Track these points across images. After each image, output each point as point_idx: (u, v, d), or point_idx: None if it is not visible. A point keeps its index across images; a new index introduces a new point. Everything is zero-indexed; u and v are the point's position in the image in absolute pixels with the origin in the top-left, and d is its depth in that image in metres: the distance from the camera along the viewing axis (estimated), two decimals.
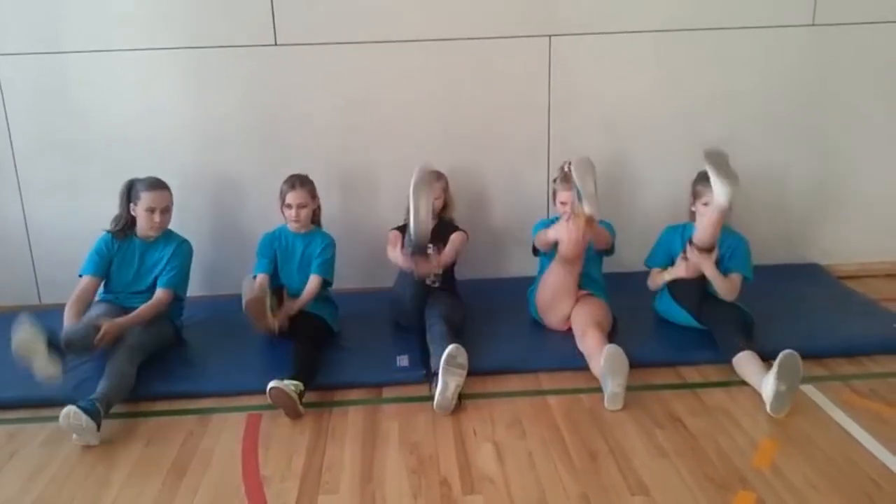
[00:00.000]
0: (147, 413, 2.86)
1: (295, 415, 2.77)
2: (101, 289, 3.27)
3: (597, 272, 3.42)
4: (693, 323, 3.22)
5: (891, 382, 2.92)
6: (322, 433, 2.70)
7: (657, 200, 3.83)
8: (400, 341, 3.28)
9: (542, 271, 3.38)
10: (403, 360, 3.10)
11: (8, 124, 3.68)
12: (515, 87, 3.76)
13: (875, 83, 3.85)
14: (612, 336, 3.09)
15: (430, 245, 3.15)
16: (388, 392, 2.96)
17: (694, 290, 3.20)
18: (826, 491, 2.29)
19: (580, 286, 3.27)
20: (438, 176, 3.39)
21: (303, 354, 2.99)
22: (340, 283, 3.47)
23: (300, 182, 3.34)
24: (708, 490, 2.31)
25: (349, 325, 3.42)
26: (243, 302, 3.00)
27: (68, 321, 3.01)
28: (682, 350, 3.15)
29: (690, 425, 2.66)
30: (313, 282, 3.29)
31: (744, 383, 2.89)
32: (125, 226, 3.26)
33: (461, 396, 2.84)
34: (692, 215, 3.30)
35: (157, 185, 3.23)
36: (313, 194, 3.39)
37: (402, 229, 3.37)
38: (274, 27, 3.60)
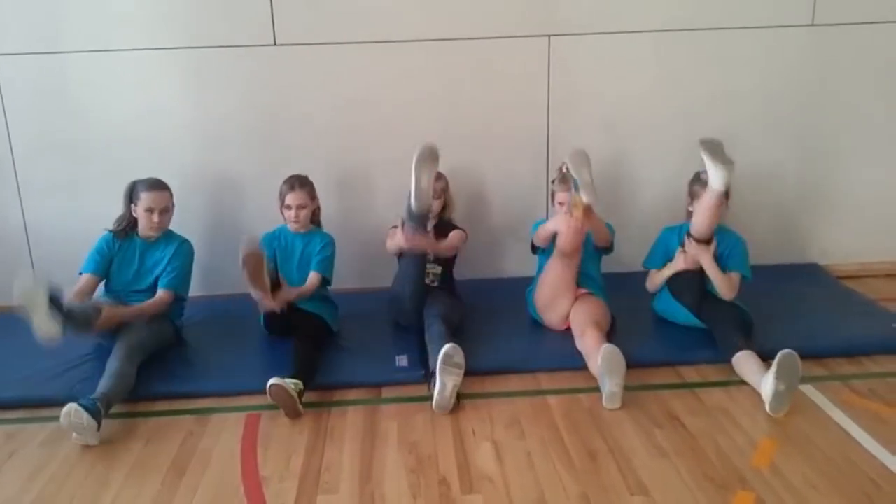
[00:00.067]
0: (146, 413, 2.86)
1: (294, 414, 2.77)
2: (101, 288, 3.27)
3: (595, 271, 3.43)
4: (692, 320, 3.22)
5: (890, 382, 2.92)
6: (321, 433, 2.70)
7: (656, 200, 3.83)
8: (399, 341, 3.28)
9: (540, 271, 3.38)
10: (402, 360, 3.10)
11: (7, 124, 3.68)
12: (515, 88, 3.76)
13: (875, 83, 3.85)
14: (610, 335, 3.10)
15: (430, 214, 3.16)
16: (387, 392, 2.96)
17: (694, 286, 3.20)
18: (825, 491, 2.29)
19: (579, 284, 3.27)
20: (439, 176, 3.39)
21: (302, 354, 2.99)
22: (339, 283, 3.47)
23: (300, 183, 3.34)
24: (707, 490, 2.31)
25: (348, 325, 3.42)
26: (241, 257, 2.95)
27: None
28: (682, 350, 3.16)
29: (690, 425, 2.66)
30: (313, 278, 3.30)
31: (743, 383, 2.89)
32: (127, 226, 3.27)
33: (460, 396, 2.84)
34: (689, 215, 3.30)
35: (157, 185, 3.24)
36: (312, 195, 3.40)
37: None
38: (273, 27, 3.60)
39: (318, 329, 3.23)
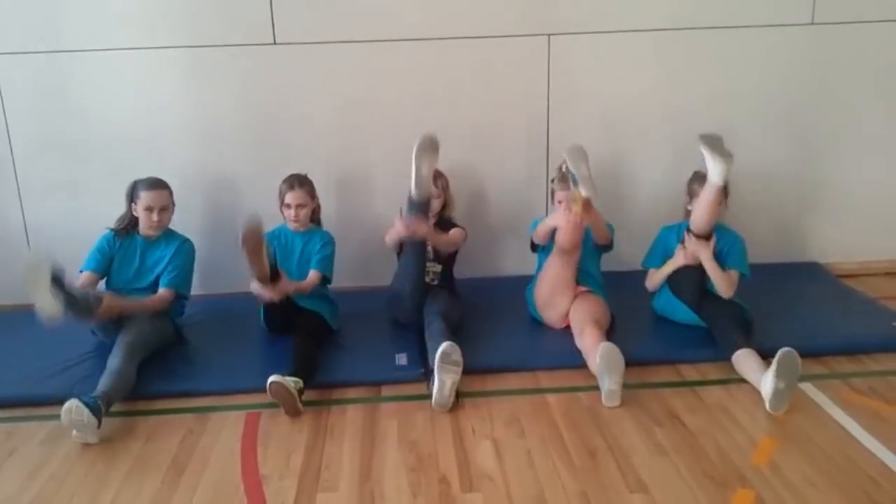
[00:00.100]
0: (146, 411, 2.86)
1: (294, 412, 2.77)
2: (102, 286, 3.27)
3: (595, 269, 3.43)
4: (692, 318, 3.22)
5: (890, 380, 2.93)
6: (321, 431, 2.70)
7: (656, 198, 3.83)
8: (399, 339, 3.29)
9: (540, 269, 3.38)
10: (402, 359, 3.10)
11: (7, 124, 3.68)
12: (514, 87, 3.76)
13: (874, 82, 3.85)
14: (610, 333, 3.10)
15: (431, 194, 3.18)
16: (386, 390, 2.96)
17: (693, 282, 3.20)
18: (825, 489, 2.29)
19: (578, 282, 3.27)
20: (439, 174, 3.40)
21: (302, 352, 3.00)
22: (338, 282, 3.47)
23: (299, 182, 3.35)
24: (707, 488, 2.32)
25: (348, 324, 3.42)
26: (240, 234, 2.94)
27: None
28: (681, 348, 3.16)
29: (689, 423, 2.67)
30: (312, 276, 3.30)
31: (742, 381, 2.89)
32: (128, 225, 3.29)
33: (460, 394, 2.84)
34: (687, 214, 3.30)
35: (155, 184, 3.25)
36: (312, 194, 3.40)
37: None
38: (273, 26, 3.60)
39: (318, 327, 3.24)
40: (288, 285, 3.16)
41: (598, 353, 2.81)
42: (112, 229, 3.30)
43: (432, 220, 3.39)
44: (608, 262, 3.54)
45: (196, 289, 3.46)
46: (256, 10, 3.58)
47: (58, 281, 2.76)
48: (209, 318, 3.53)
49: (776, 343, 2.79)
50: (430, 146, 3.08)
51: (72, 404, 2.58)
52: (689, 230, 3.20)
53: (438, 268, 3.45)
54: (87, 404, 2.59)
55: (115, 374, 2.82)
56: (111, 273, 3.27)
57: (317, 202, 3.45)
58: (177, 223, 3.39)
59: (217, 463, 2.53)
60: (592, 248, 3.42)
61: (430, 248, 3.39)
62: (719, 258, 3.21)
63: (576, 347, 3.05)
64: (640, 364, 3.01)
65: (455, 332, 3.12)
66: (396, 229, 3.23)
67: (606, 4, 3.68)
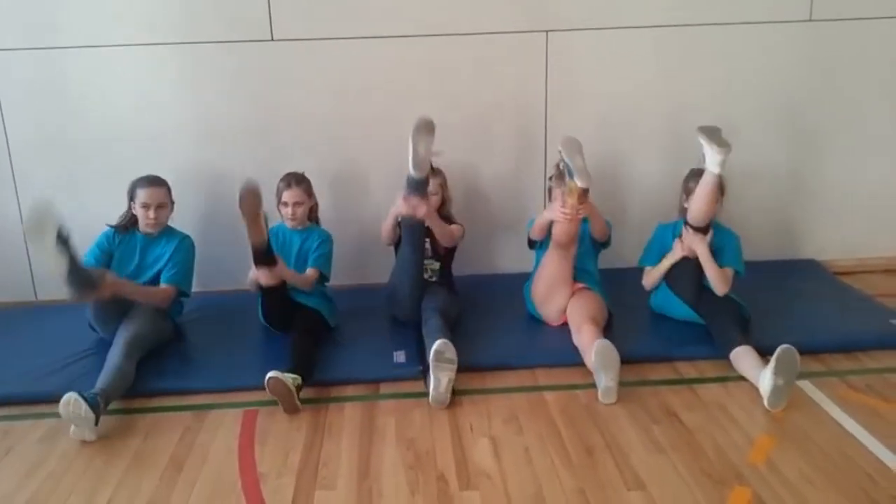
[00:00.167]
0: (144, 409, 2.86)
1: (292, 409, 2.77)
2: None
3: (593, 266, 3.43)
4: (690, 315, 3.22)
5: (887, 378, 2.93)
6: (319, 429, 2.70)
7: (654, 196, 3.83)
8: (397, 336, 3.29)
9: (538, 266, 3.38)
10: (400, 356, 3.10)
11: (4, 121, 3.67)
12: (512, 83, 3.76)
13: (873, 79, 3.85)
14: (607, 331, 3.10)
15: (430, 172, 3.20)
16: (384, 388, 2.96)
17: (691, 276, 3.20)
18: (822, 486, 2.30)
19: (576, 279, 3.28)
20: (437, 172, 3.40)
21: (300, 349, 3.00)
22: (335, 280, 3.46)
23: (296, 180, 3.35)
24: (704, 485, 2.32)
25: (346, 321, 3.42)
26: (238, 196, 2.94)
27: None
28: (679, 345, 3.16)
29: (686, 420, 2.67)
30: (310, 273, 3.30)
31: (740, 378, 2.89)
32: (128, 222, 3.30)
33: (457, 392, 2.84)
34: (684, 212, 3.30)
35: (152, 181, 3.26)
36: (309, 192, 3.40)
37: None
38: (270, 23, 3.60)
39: (317, 324, 3.24)
40: (285, 271, 3.16)
41: (593, 350, 2.81)
42: (112, 226, 3.30)
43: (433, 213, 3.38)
44: (605, 260, 3.54)
45: (194, 286, 3.45)
46: (254, 6, 3.57)
47: (62, 238, 2.75)
48: (207, 316, 3.53)
49: (774, 340, 2.79)
50: (425, 127, 3.12)
51: (70, 397, 2.58)
52: (686, 223, 3.20)
53: (437, 265, 3.45)
54: (85, 398, 2.59)
55: (113, 372, 2.82)
56: (111, 269, 3.26)
57: (314, 200, 3.45)
58: (175, 220, 3.39)
59: (215, 460, 2.53)
60: (590, 244, 3.43)
61: (427, 246, 3.39)
62: (714, 255, 3.21)
63: (573, 345, 3.05)
64: (638, 361, 3.02)
65: (453, 329, 3.12)
66: (396, 207, 3.23)
67: (605, 1, 3.68)
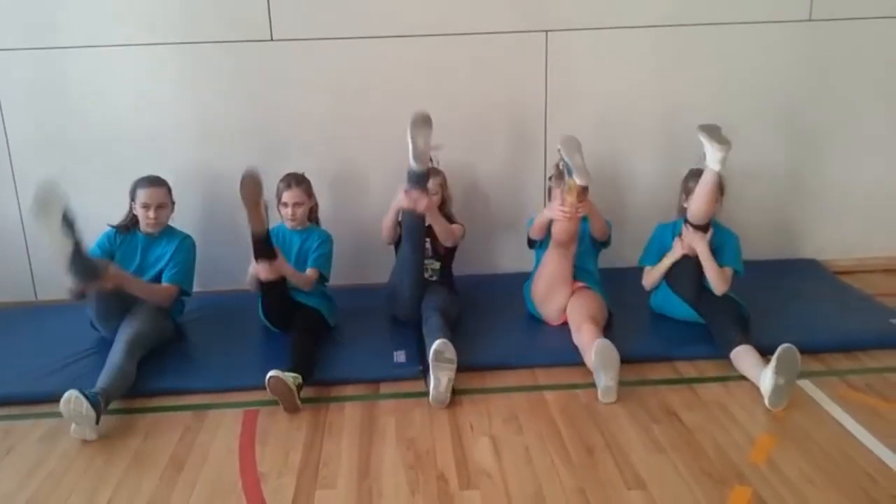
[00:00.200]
0: (144, 409, 2.86)
1: (292, 408, 2.77)
2: None
3: (593, 266, 3.44)
4: (690, 314, 3.23)
5: (887, 377, 2.93)
6: (319, 429, 2.70)
7: (653, 195, 3.83)
8: (397, 336, 3.29)
9: (538, 265, 3.38)
10: (400, 356, 3.10)
11: (4, 121, 3.67)
12: (512, 83, 3.76)
13: (872, 79, 3.86)
14: (607, 330, 3.10)
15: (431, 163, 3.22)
16: (384, 388, 2.96)
17: (691, 278, 3.20)
18: (822, 485, 2.30)
19: (576, 278, 3.28)
20: (437, 172, 3.40)
21: (301, 348, 3.00)
22: (334, 279, 3.46)
23: (296, 181, 3.35)
24: (704, 484, 2.32)
25: (346, 321, 3.42)
26: (239, 184, 2.96)
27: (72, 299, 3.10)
28: (679, 344, 3.16)
29: (687, 420, 2.67)
30: (310, 273, 3.30)
31: (740, 378, 2.89)
32: (130, 222, 3.31)
33: (458, 392, 2.84)
34: (683, 212, 3.30)
35: (152, 182, 3.27)
36: (309, 193, 3.41)
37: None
38: (270, 23, 3.60)
39: (317, 323, 3.24)
40: (284, 266, 3.17)
41: (592, 349, 2.81)
42: (113, 226, 3.31)
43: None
44: (605, 260, 3.54)
45: (194, 286, 3.45)
46: (254, 6, 3.57)
47: (68, 222, 2.75)
48: (207, 316, 3.53)
49: (774, 340, 2.79)
50: (422, 121, 3.15)
51: (71, 395, 2.58)
52: (686, 221, 3.20)
53: (437, 265, 3.46)
54: (86, 396, 2.60)
55: (114, 371, 2.82)
56: None
57: (314, 201, 3.45)
58: (174, 220, 3.39)
59: (215, 460, 2.53)
60: (590, 244, 3.43)
61: (428, 246, 3.39)
62: (714, 254, 3.20)
63: (573, 344, 3.05)
64: (638, 361, 3.02)
65: (453, 329, 3.12)
66: (398, 201, 3.24)
67: (605, 1, 3.68)
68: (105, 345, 3.05)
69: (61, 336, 3.32)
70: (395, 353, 3.12)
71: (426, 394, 2.81)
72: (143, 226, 3.28)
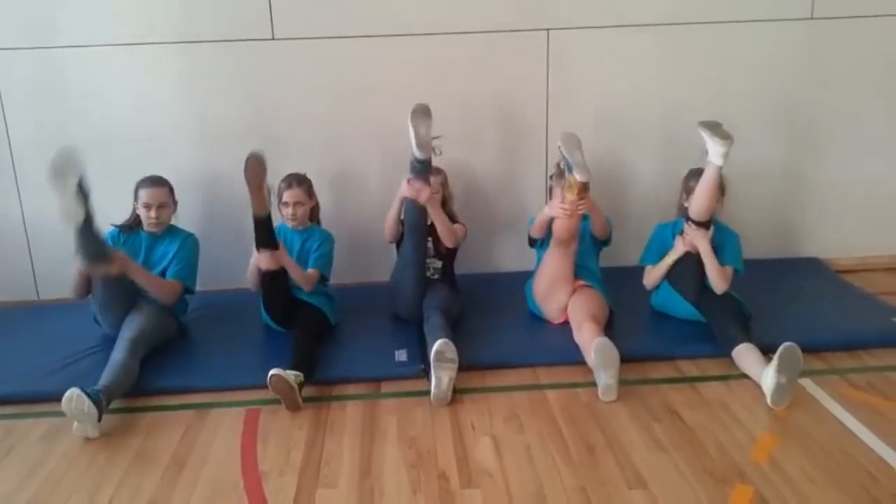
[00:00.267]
0: (146, 408, 2.86)
1: (294, 406, 2.77)
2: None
3: (594, 264, 3.44)
4: (691, 313, 3.22)
5: (888, 376, 2.93)
6: (321, 427, 2.70)
7: (654, 194, 3.83)
8: (398, 335, 3.29)
9: (539, 264, 3.38)
10: (402, 355, 3.11)
11: (5, 120, 3.67)
12: (513, 82, 3.75)
13: (873, 77, 3.85)
14: (608, 329, 3.10)
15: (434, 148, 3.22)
16: (386, 387, 2.96)
17: (693, 277, 3.20)
18: (823, 484, 2.30)
19: (577, 277, 3.28)
20: (437, 171, 3.39)
21: (302, 346, 3.01)
22: (335, 278, 3.47)
23: (297, 181, 3.36)
24: (706, 483, 2.32)
25: (347, 320, 3.42)
26: (244, 166, 3.01)
27: (75, 294, 3.18)
28: (680, 343, 3.16)
29: (688, 419, 2.67)
30: (310, 272, 3.31)
31: (741, 376, 2.89)
32: (133, 222, 3.32)
33: (459, 391, 2.84)
34: (683, 211, 3.30)
35: (153, 181, 3.29)
36: (310, 193, 3.41)
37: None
38: (271, 21, 3.59)
39: (318, 321, 3.24)
40: (285, 257, 3.18)
41: (592, 348, 2.81)
42: (116, 226, 3.32)
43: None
44: (607, 258, 3.54)
45: (196, 285, 3.46)
46: (255, 5, 3.57)
47: (82, 190, 2.81)
48: (208, 315, 3.53)
49: (775, 338, 2.79)
50: (422, 111, 3.16)
51: (73, 393, 2.59)
52: (688, 219, 3.20)
53: (439, 264, 3.46)
54: (88, 395, 2.60)
55: (117, 369, 2.83)
56: None
57: (315, 201, 3.46)
58: (175, 220, 3.39)
59: (217, 459, 2.53)
60: (591, 242, 3.43)
61: (430, 245, 3.39)
62: (715, 252, 3.20)
63: (575, 343, 3.05)
64: (639, 360, 3.02)
65: (454, 327, 3.13)
66: (401, 191, 3.25)
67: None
68: (106, 344, 3.05)
69: (63, 335, 3.33)
70: (396, 352, 3.13)
71: (427, 392, 2.81)
72: (146, 225, 3.29)
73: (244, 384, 2.94)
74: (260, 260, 3.13)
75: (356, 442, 2.61)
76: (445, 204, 3.51)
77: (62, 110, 3.67)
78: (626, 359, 2.86)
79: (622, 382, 2.81)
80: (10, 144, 3.69)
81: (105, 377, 2.77)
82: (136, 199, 3.30)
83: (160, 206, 3.27)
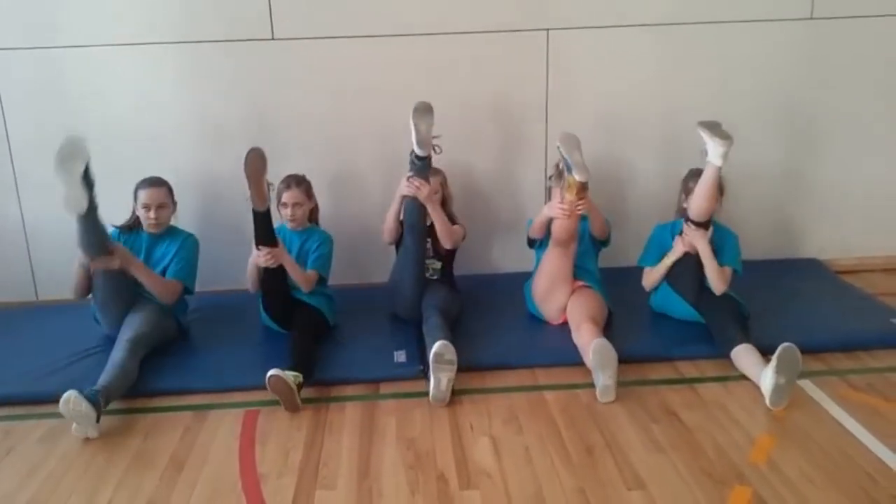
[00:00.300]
0: (144, 409, 2.86)
1: (293, 407, 2.78)
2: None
3: (593, 265, 3.44)
4: (690, 314, 3.22)
5: (887, 377, 2.93)
6: (319, 429, 2.70)
7: (653, 195, 3.82)
8: (397, 336, 3.29)
9: (538, 265, 3.38)
10: (401, 356, 3.11)
11: (5, 120, 3.67)
12: (512, 82, 3.75)
13: (873, 77, 3.85)
14: (607, 330, 3.10)
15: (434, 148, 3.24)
16: (385, 388, 2.96)
17: (692, 277, 3.20)
18: (822, 485, 2.30)
19: (576, 277, 3.27)
20: (436, 171, 3.39)
21: (301, 346, 3.01)
22: (334, 279, 3.47)
23: (296, 182, 3.36)
24: (704, 484, 2.32)
25: (345, 321, 3.42)
26: (244, 158, 3.03)
27: (75, 293, 3.19)
28: (679, 344, 3.16)
29: (686, 420, 2.67)
30: (310, 273, 3.30)
31: (740, 377, 2.89)
32: (133, 222, 3.33)
33: (457, 392, 2.85)
34: (682, 212, 3.30)
35: (151, 182, 3.29)
36: (309, 194, 3.41)
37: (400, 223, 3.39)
38: (271, 21, 3.59)
39: (317, 322, 3.25)
40: (284, 255, 3.19)
41: (590, 349, 2.82)
42: (117, 227, 3.32)
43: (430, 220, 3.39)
44: (606, 259, 3.54)
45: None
46: (255, 5, 3.57)
47: (88, 178, 2.83)
48: (207, 316, 3.52)
49: (774, 339, 2.79)
50: (424, 108, 3.18)
51: (70, 395, 2.59)
52: (687, 219, 3.20)
53: (438, 264, 3.46)
54: (85, 396, 2.60)
55: (116, 369, 2.83)
56: None
57: (314, 202, 3.46)
58: (175, 220, 3.39)
59: (215, 460, 2.53)
60: (590, 243, 3.43)
61: (429, 246, 3.39)
62: (713, 253, 3.20)
63: (574, 344, 3.05)
64: (638, 360, 3.02)
65: (453, 328, 3.13)
66: (401, 189, 3.26)
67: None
68: (106, 345, 3.06)
69: (62, 336, 3.33)
70: (395, 353, 3.13)
71: (426, 394, 2.81)
72: (145, 226, 3.30)
73: (243, 385, 2.94)
74: (259, 257, 3.13)
75: (355, 443, 2.61)
76: (445, 204, 3.51)
77: (62, 110, 3.67)
78: (624, 360, 2.86)
79: (621, 383, 2.82)
80: (9, 145, 3.69)
81: (104, 377, 2.78)
82: (135, 200, 3.30)
83: (159, 207, 3.27)
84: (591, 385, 2.83)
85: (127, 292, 3.15)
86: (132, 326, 3.04)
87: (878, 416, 2.65)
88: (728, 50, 3.76)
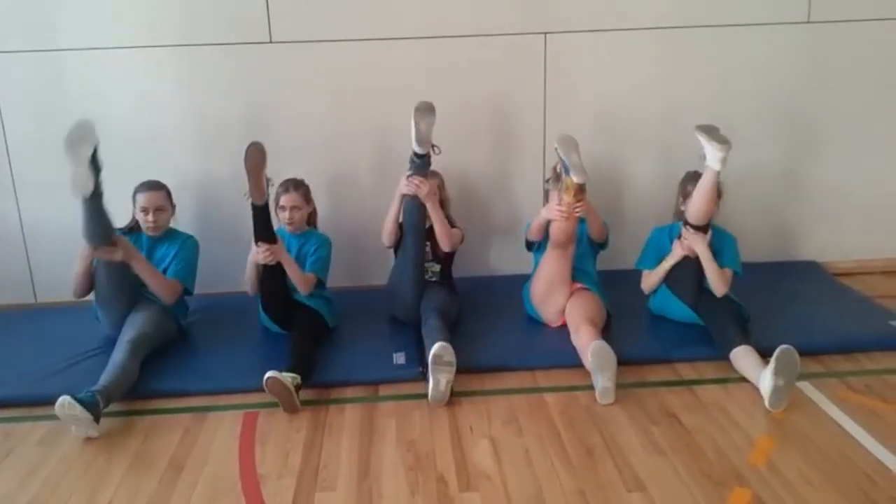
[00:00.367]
0: (144, 411, 2.86)
1: (291, 408, 2.77)
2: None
3: (591, 267, 3.44)
4: (689, 316, 3.23)
5: (886, 379, 2.93)
6: (319, 430, 2.70)
7: (652, 197, 3.83)
8: (397, 338, 3.29)
9: (536, 267, 3.39)
10: (400, 358, 3.11)
11: (3, 122, 3.67)
12: (510, 85, 3.76)
13: (871, 80, 3.86)
14: (606, 332, 3.10)
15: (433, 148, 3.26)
16: (384, 389, 2.96)
17: (691, 279, 3.21)
18: (821, 487, 2.30)
19: (574, 280, 3.28)
20: (434, 174, 3.40)
21: (300, 348, 3.01)
22: (332, 282, 3.47)
23: (294, 185, 3.36)
24: (704, 486, 2.32)
25: (344, 323, 3.42)
26: (244, 152, 3.05)
27: (76, 291, 3.20)
28: (678, 346, 3.16)
29: (686, 422, 2.67)
30: (308, 276, 3.30)
31: (739, 379, 2.90)
32: (134, 225, 3.33)
33: (457, 393, 2.85)
34: (680, 215, 3.30)
35: (149, 185, 3.30)
36: (307, 198, 3.41)
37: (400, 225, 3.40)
38: (269, 24, 3.60)
39: (316, 324, 3.25)
40: (283, 253, 3.19)
41: (589, 351, 2.82)
42: (117, 229, 3.30)
43: (429, 222, 3.39)
44: (604, 261, 3.55)
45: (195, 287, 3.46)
46: (253, 8, 3.57)
47: (95, 163, 2.85)
48: (207, 318, 3.52)
49: (773, 341, 2.80)
50: (426, 107, 3.19)
51: (63, 400, 2.59)
52: (686, 223, 3.21)
53: (437, 267, 3.46)
54: (79, 400, 2.60)
55: (117, 370, 2.83)
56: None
57: (312, 206, 3.46)
58: (174, 222, 3.39)
59: (215, 462, 2.53)
60: (588, 246, 3.44)
61: (428, 249, 3.40)
62: (713, 256, 3.21)
63: (573, 346, 3.05)
64: (637, 363, 3.03)
65: (452, 329, 3.13)
66: (400, 188, 3.27)
67: (603, 3, 3.68)
68: (106, 346, 3.06)
69: (62, 338, 3.32)
70: (394, 355, 3.13)
71: (426, 395, 2.82)
72: (144, 229, 3.30)
73: (242, 387, 2.94)
74: (258, 254, 3.13)
75: (354, 445, 2.61)
76: (443, 207, 3.51)
77: (62, 112, 3.63)
78: (623, 362, 2.86)
79: (620, 385, 2.82)
80: (7, 147, 3.69)
81: (105, 377, 2.78)
82: (133, 203, 3.30)
83: (157, 210, 3.27)
84: (591, 387, 2.84)
85: (129, 290, 3.16)
86: (134, 327, 3.04)
87: (876, 417, 2.66)
88: (726, 53, 3.77)
